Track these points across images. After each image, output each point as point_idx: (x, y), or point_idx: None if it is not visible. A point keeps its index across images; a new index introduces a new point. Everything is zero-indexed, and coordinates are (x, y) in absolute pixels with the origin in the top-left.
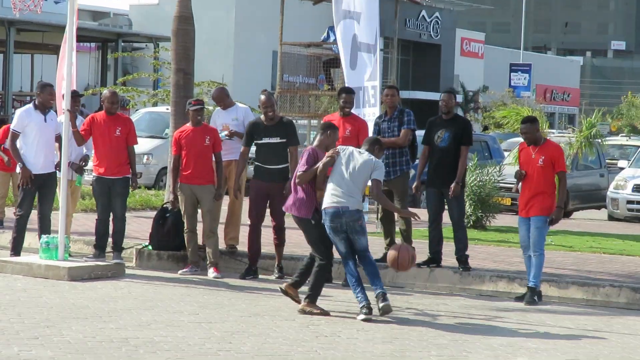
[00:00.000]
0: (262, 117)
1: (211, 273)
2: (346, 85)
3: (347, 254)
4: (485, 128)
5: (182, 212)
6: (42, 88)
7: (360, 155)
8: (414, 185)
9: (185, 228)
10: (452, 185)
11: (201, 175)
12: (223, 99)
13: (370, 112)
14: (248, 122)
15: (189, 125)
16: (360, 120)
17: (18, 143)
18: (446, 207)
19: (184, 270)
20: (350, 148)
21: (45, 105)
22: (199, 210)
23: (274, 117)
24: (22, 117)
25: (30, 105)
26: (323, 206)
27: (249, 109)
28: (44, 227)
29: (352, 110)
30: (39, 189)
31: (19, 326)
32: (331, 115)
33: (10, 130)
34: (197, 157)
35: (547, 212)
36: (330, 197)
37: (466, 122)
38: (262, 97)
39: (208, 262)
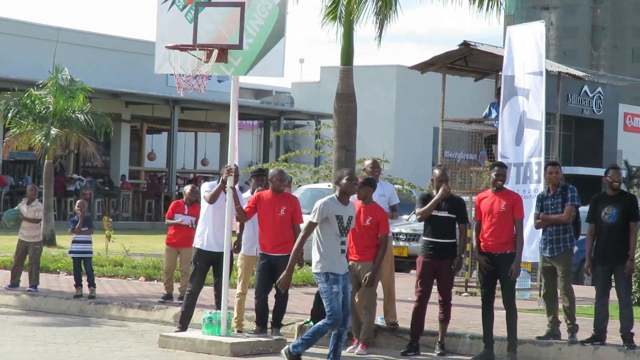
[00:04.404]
0: (434, 191)
1: (357, 349)
2: (508, 161)
3: None
4: None
5: None
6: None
7: None
8: (586, 265)
9: None
10: (627, 263)
11: (362, 253)
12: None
13: (533, 188)
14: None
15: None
16: (514, 194)
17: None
18: (613, 283)
19: (352, 347)
20: None
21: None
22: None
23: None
24: (205, 189)
25: (215, 181)
26: None
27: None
28: (220, 306)
29: (515, 186)
30: (212, 266)
31: None
32: (484, 192)
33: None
34: (357, 236)
35: None
36: None
37: (633, 197)
38: (437, 171)
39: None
